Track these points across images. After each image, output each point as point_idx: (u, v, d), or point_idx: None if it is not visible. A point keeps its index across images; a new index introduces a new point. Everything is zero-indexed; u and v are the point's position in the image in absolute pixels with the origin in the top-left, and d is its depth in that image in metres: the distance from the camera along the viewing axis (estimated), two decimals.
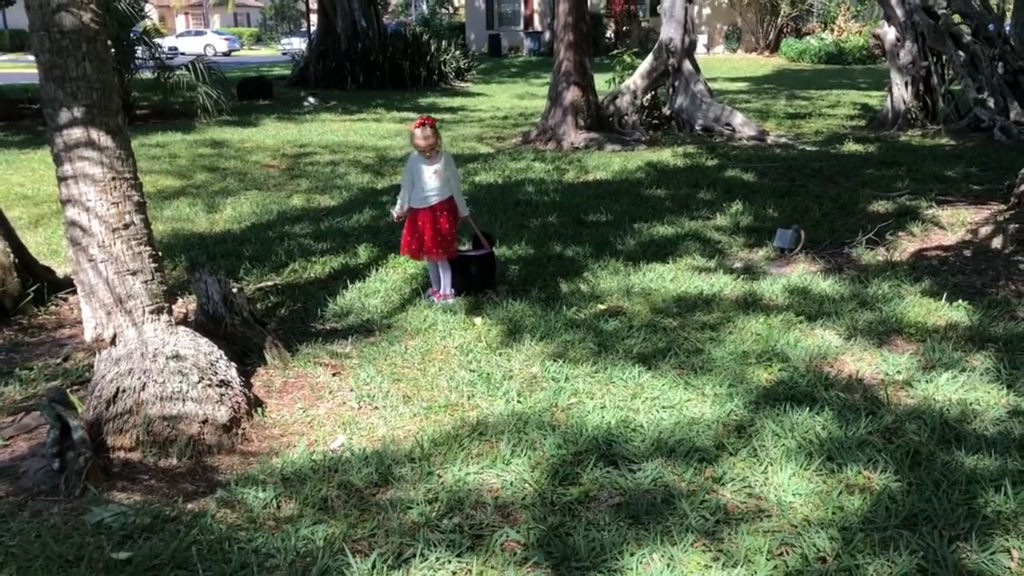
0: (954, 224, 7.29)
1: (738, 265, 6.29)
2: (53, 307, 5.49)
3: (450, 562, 2.87)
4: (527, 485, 3.35)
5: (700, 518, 3.10)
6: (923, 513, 3.04)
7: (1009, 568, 2.76)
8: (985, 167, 9.82)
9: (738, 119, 12.87)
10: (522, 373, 4.42)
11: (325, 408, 4.15)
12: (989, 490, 3.17)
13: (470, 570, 2.84)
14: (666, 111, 13.58)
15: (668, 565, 2.82)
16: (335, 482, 3.39)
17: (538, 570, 2.83)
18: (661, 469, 3.43)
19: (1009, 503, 3.08)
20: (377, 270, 6.21)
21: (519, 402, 4.08)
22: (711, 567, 2.82)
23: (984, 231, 6.94)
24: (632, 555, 2.88)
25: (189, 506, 3.26)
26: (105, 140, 3.69)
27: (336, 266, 6.40)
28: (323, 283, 6.02)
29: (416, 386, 4.32)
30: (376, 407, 4.12)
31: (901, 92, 13.30)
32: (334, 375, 4.49)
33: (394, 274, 6.11)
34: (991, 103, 12.47)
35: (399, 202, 5.55)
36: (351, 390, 4.31)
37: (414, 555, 2.90)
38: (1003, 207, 7.62)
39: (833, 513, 3.09)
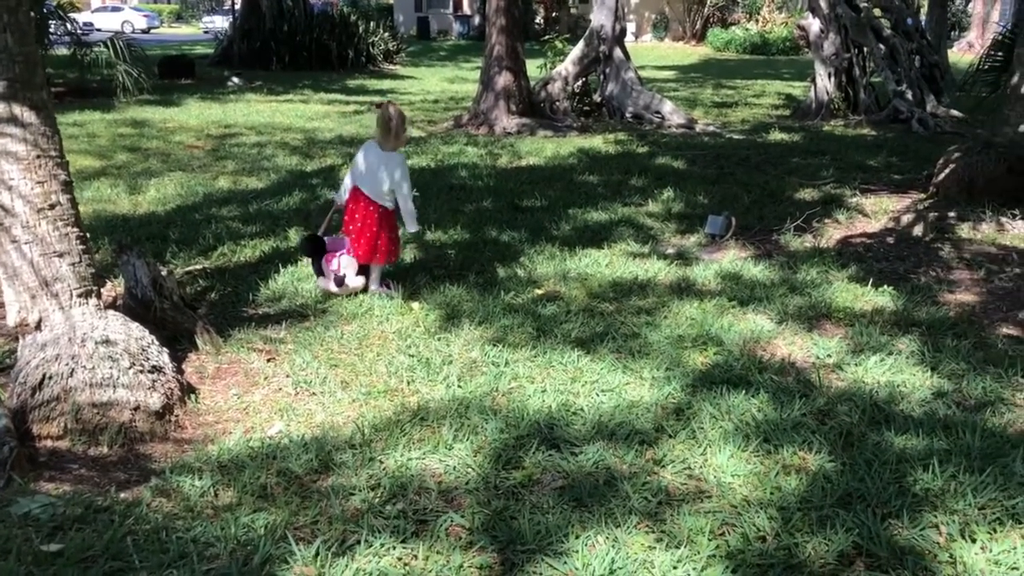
0: (877, 212, 7.51)
1: (671, 251, 6.37)
2: None
3: (395, 548, 2.84)
4: (470, 470, 3.34)
5: (642, 500, 3.13)
6: (857, 492, 3.13)
7: (938, 543, 2.86)
8: (905, 157, 10.15)
9: (667, 107, 13.03)
10: (462, 358, 4.40)
11: (260, 394, 4.06)
12: (918, 469, 3.27)
13: (416, 555, 2.82)
14: (597, 98, 13.66)
15: (613, 547, 2.84)
16: (274, 469, 3.32)
17: (484, 554, 2.83)
18: (603, 452, 3.45)
19: (936, 481, 3.19)
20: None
21: (459, 387, 4.06)
22: (655, 548, 2.85)
23: (906, 219, 7.18)
24: (577, 537, 2.90)
25: (122, 495, 3.15)
26: (29, 116, 3.53)
27: (267, 250, 6.26)
28: (254, 267, 5.89)
29: (354, 371, 4.26)
30: (313, 393, 4.05)
31: (824, 83, 13.64)
32: (269, 361, 4.40)
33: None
34: (909, 95, 12.88)
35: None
36: (287, 376, 4.23)
37: (358, 541, 2.87)
38: (923, 196, 7.89)
39: (771, 493, 3.16)
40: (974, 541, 2.84)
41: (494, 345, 4.53)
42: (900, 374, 4.20)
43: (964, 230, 6.85)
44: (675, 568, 2.74)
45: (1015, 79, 7.73)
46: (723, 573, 2.70)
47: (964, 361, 4.33)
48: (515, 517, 3.03)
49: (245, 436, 3.62)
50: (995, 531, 2.90)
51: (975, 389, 4.02)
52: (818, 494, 3.13)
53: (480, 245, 6.43)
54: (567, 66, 13.35)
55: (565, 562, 2.78)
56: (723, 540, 2.89)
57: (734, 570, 2.72)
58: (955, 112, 13.03)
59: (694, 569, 2.73)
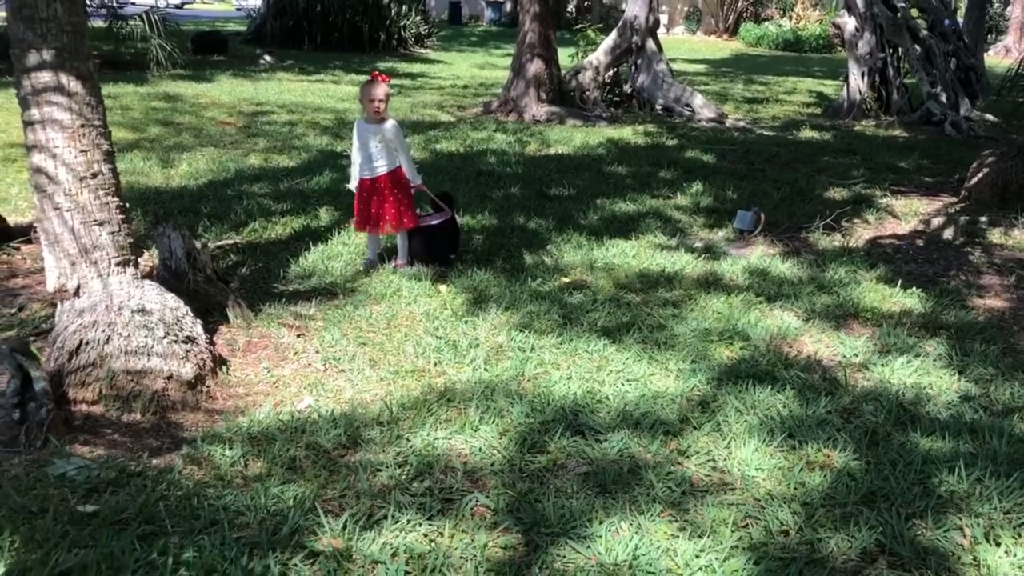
0: (907, 214, 7.47)
1: (699, 245, 6.36)
2: (5, 256, 5.34)
3: (421, 525, 2.89)
4: (495, 452, 3.38)
5: (666, 489, 3.16)
6: (881, 491, 3.14)
7: (962, 545, 2.87)
8: (936, 160, 10.06)
9: (698, 100, 12.97)
10: (488, 342, 4.43)
11: (290, 369, 4.11)
12: (943, 471, 3.28)
13: (441, 533, 2.86)
14: (627, 89, 13.61)
15: (636, 533, 2.87)
16: (303, 443, 3.37)
17: (508, 535, 2.86)
18: (627, 440, 3.48)
19: (962, 484, 3.19)
20: (339, 233, 6.15)
21: (486, 370, 4.10)
22: (678, 536, 2.88)
23: (936, 222, 7.13)
24: (601, 523, 2.93)
25: (155, 461, 3.22)
26: (75, 85, 3.59)
27: (297, 227, 6.32)
28: (284, 244, 5.95)
29: (382, 351, 4.31)
30: (342, 370, 4.10)
31: (857, 82, 13.52)
32: (299, 336, 4.46)
33: (356, 238, 6.05)
34: (943, 98, 12.76)
35: (352, 173, 5.49)
36: (316, 352, 4.28)
37: (385, 516, 2.91)
38: (954, 199, 7.83)
39: (795, 488, 3.17)
40: (999, 545, 2.85)
41: (520, 330, 4.56)
42: (927, 376, 4.19)
43: (995, 235, 6.80)
44: (697, 557, 2.76)
45: None
46: (745, 564, 2.72)
47: (992, 366, 4.31)
48: (539, 500, 3.06)
49: (275, 409, 3.67)
50: (1020, 536, 2.90)
51: (1002, 395, 4.01)
52: (842, 491, 3.14)
53: (507, 231, 6.45)
54: (599, 56, 13.31)
55: (588, 546, 2.82)
56: (746, 532, 2.91)
57: (756, 562, 2.74)
58: (989, 116, 12.91)
59: (716, 559, 2.75)
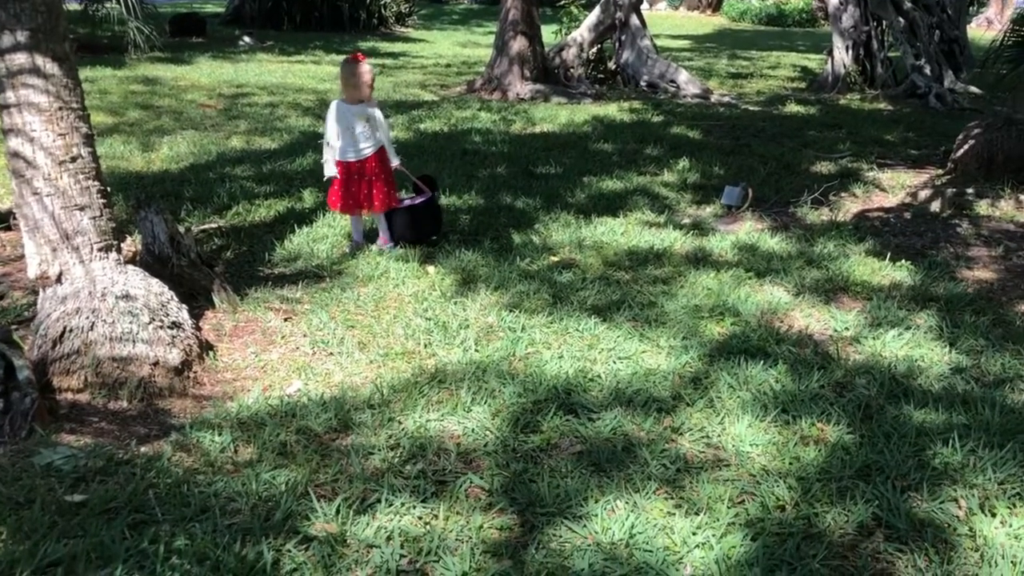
0: (894, 187, 7.46)
1: (687, 221, 6.33)
2: None
3: (415, 507, 2.86)
4: (488, 432, 3.35)
5: (661, 467, 3.14)
6: (876, 464, 3.14)
7: (957, 517, 2.86)
8: (921, 132, 10.06)
9: (683, 76, 12.91)
10: (478, 322, 4.40)
11: (278, 353, 4.07)
12: (937, 443, 3.27)
13: (436, 515, 2.83)
14: (612, 65, 13.53)
15: (632, 512, 2.85)
16: (293, 427, 3.33)
17: (504, 516, 2.84)
18: (620, 419, 3.46)
19: (956, 455, 3.19)
20: (324, 215, 6.08)
21: (476, 351, 4.06)
22: (674, 514, 2.86)
23: (923, 195, 7.13)
24: (596, 502, 2.91)
25: (143, 449, 3.17)
26: (51, 67, 3.50)
27: (281, 210, 6.25)
28: (268, 227, 5.88)
29: (371, 333, 4.26)
30: (331, 353, 4.06)
31: (842, 56, 13.47)
32: (286, 320, 4.40)
33: (342, 220, 5.97)
34: (927, 70, 12.74)
35: (328, 158, 5.38)
36: (304, 335, 4.23)
37: (379, 500, 2.88)
38: (940, 172, 7.82)
39: (790, 463, 3.16)
40: (994, 515, 2.85)
41: (510, 311, 4.52)
42: (918, 349, 4.18)
43: (982, 207, 6.81)
44: (694, 535, 2.75)
45: None
46: (743, 541, 2.71)
47: (983, 337, 4.31)
48: (534, 480, 3.04)
49: (264, 394, 3.63)
50: (1015, 506, 2.90)
51: (994, 366, 4.01)
52: (837, 465, 3.13)
53: (494, 210, 6.40)
54: (582, 32, 13.20)
55: (585, 525, 2.80)
56: (742, 508, 2.89)
57: (753, 538, 2.73)
58: (973, 88, 12.91)
59: (713, 536, 2.74)
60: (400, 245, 5.45)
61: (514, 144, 8.81)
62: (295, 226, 5.78)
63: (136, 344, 3.55)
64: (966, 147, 7.73)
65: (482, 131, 9.46)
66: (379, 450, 3.19)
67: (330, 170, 5.38)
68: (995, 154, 7.51)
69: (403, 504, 2.86)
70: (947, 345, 4.23)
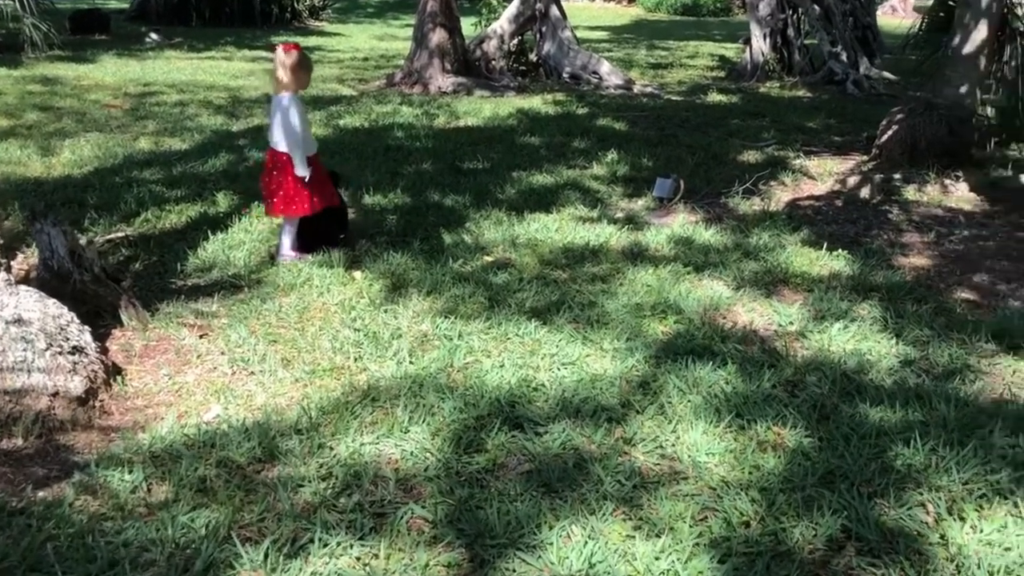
0: (822, 174, 7.44)
1: (620, 215, 6.17)
2: None
3: (352, 546, 2.59)
4: (429, 455, 3.10)
5: (616, 483, 2.94)
6: (839, 470, 2.99)
7: (927, 523, 2.73)
8: (843, 119, 10.13)
9: (605, 67, 12.78)
10: (411, 331, 4.13)
11: (194, 374, 3.74)
12: (897, 443, 3.15)
13: (376, 554, 2.57)
14: (533, 57, 13.33)
15: (590, 537, 2.64)
16: (213, 459, 3.03)
17: (451, 551, 2.60)
18: (569, 431, 3.25)
19: (918, 456, 3.07)
20: (240, 220, 5.72)
21: (411, 363, 3.80)
22: (634, 537, 2.66)
23: (852, 181, 7.11)
24: (551, 528, 2.69)
25: (41, 494, 2.82)
26: None
27: (194, 215, 5.86)
28: (180, 234, 5.50)
29: (296, 348, 3.96)
30: (252, 372, 3.75)
31: (760, 44, 13.54)
32: (201, 337, 4.07)
33: (259, 224, 5.64)
34: (843, 57, 12.89)
35: (301, 155, 4.94)
36: (222, 353, 3.91)
37: (312, 540, 2.61)
38: (865, 158, 7.84)
39: (750, 473, 2.99)
40: (963, 520, 2.73)
41: (445, 317, 4.27)
42: (865, 341, 4.08)
43: (910, 192, 6.83)
44: (657, 560, 2.55)
45: (956, 40, 7.69)
46: (709, 564, 2.53)
47: (927, 327, 4.24)
48: (481, 507, 2.80)
49: (179, 422, 3.31)
50: (982, 508, 2.79)
51: (941, 356, 3.93)
52: (799, 473, 2.97)
53: (422, 209, 6.14)
54: (502, 24, 12.96)
55: (539, 556, 2.58)
56: (705, 526, 2.71)
57: (721, 560, 2.54)
58: (888, 74, 13.11)
59: (678, 560, 2.54)
60: (319, 252, 5.10)
61: (439, 139, 8.54)
62: (209, 232, 5.41)
63: (31, 374, 3.19)
64: (890, 133, 7.75)
65: (404, 126, 9.16)
66: (309, 482, 2.91)
67: (304, 168, 4.94)
68: (918, 139, 7.54)
69: (339, 543, 2.60)
70: (893, 336, 4.14)
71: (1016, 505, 2.79)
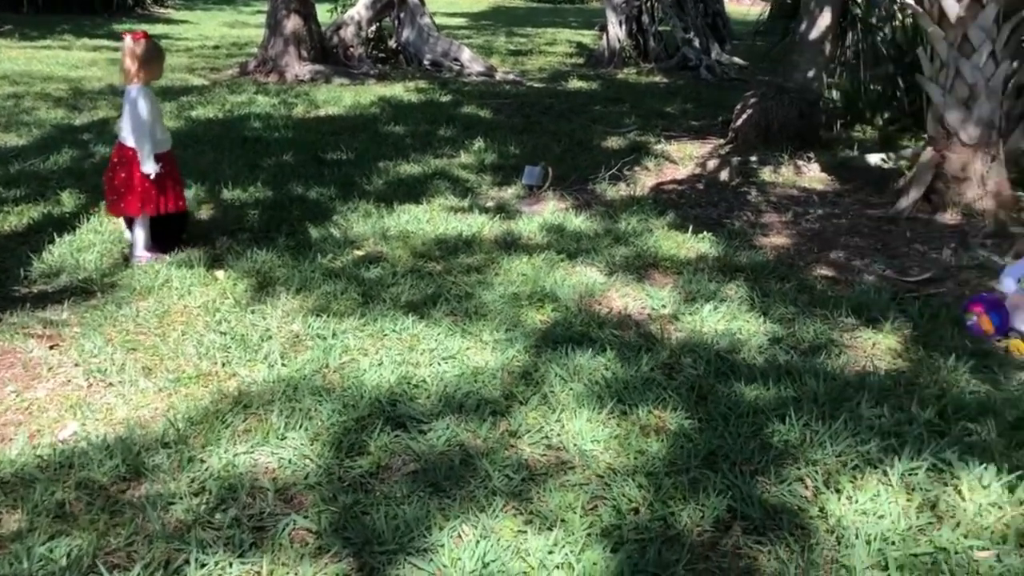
0: (683, 158, 7.62)
1: (491, 204, 6.13)
2: None
3: (232, 565, 2.45)
4: (308, 461, 2.97)
5: (504, 478, 2.89)
6: (720, 450, 3.05)
7: (806, 498, 2.81)
8: (699, 104, 10.43)
9: (466, 55, 12.72)
10: (282, 332, 3.96)
11: (45, 389, 3.45)
12: (774, 420, 3.23)
13: (258, 571, 2.43)
14: (393, 44, 13.13)
15: (482, 536, 2.58)
16: (72, 481, 2.80)
17: (338, 561, 2.49)
18: (453, 427, 3.18)
19: (793, 431, 3.16)
20: (88, 220, 5.36)
21: (284, 365, 3.64)
22: (526, 532, 2.62)
23: (711, 165, 7.32)
24: (441, 529, 2.62)
25: None
26: None
27: (36, 216, 5.44)
28: (22, 237, 5.10)
29: (157, 355, 3.73)
30: (111, 384, 3.49)
31: (616, 31, 13.79)
32: (52, 348, 3.77)
33: (109, 224, 5.29)
34: (696, 43, 13.29)
35: (149, 150, 4.63)
36: (76, 365, 3.63)
37: (188, 561, 2.44)
38: (722, 141, 8.09)
39: (635, 458, 3.01)
40: (839, 492, 2.82)
41: (317, 315, 4.12)
42: (735, 321, 4.19)
43: (766, 174, 7.08)
44: (551, 553, 2.52)
45: (803, 26, 8.04)
46: (603, 554, 2.51)
47: (792, 304, 4.39)
48: (367, 512, 2.70)
49: (31, 443, 3.04)
50: (856, 479, 2.89)
51: (807, 332, 4.08)
52: (683, 456, 3.01)
53: (286, 203, 5.91)
54: (359, 10, 12.68)
55: (431, 560, 2.50)
56: (596, 516, 2.70)
57: (614, 549, 2.54)
58: (738, 60, 13.60)
59: (572, 552, 2.52)
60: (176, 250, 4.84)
61: (299, 129, 8.27)
62: (55, 234, 5.04)
63: None
64: (744, 116, 8.03)
65: (262, 116, 8.83)
66: (181, 498, 2.73)
67: (153, 165, 4.63)
68: (771, 122, 7.85)
69: (217, 563, 2.44)
70: (761, 315, 4.26)
71: (886, 474, 2.91)
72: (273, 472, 2.92)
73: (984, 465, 2.93)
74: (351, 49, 12.44)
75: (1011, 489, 2.83)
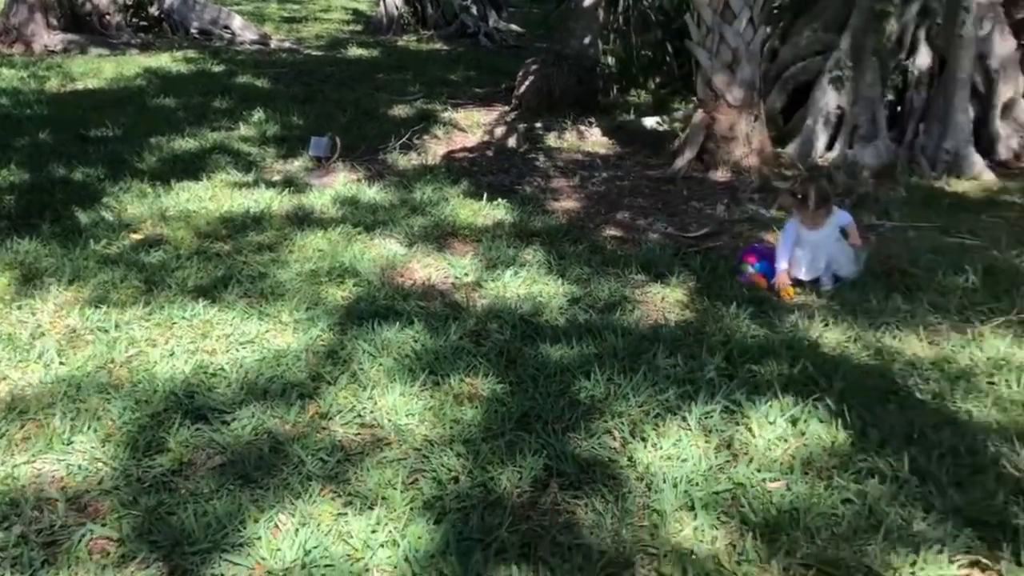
0: (471, 126, 7.66)
1: (277, 178, 5.89)
2: None
3: None
4: (101, 465, 2.74)
5: (318, 462, 2.80)
6: (532, 411, 3.10)
7: (615, 449, 2.92)
8: (481, 71, 10.50)
9: (237, 22, 12.13)
10: (56, 328, 3.62)
11: None
12: (580, 378, 3.33)
13: None
14: (154, 12, 12.27)
15: (301, 523, 2.49)
16: None
17: (146, 568, 2.32)
18: (259, 415, 3.04)
19: (598, 387, 3.27)
20: None
21: (62, 364, 3.33)
22: (346, 514, 2.56)
23: (499, 131, 7.41)
24: (256, 521, 2.50)
25: None
26: None
27: None
28: None
29: None
30: None
31: None
32: None
33: None
34: (473, 10, 13.37)
35: None
36: None
37: None
38: (507, 108, 8.20)
39: (451, 428, 3.00)
40: (645, 440, 2.95)
41: (95, 307, 3.79)
42: (535, 284, 4.27)
43: (551, 139, 7.26)
44: (374, 532, 2.47)
45: None
46: (427, 527, 2.49)
47: (586, 265, 4.53)
48: (173, 512, 2.54)
49: None
50: (658, 427, 3.03)
51: (602, 291, 4.22)
52: (497, 420, 3.04)
53: (47, 186, 5.40)
54: None
55: (248, 554, 2.39)
56: (417, 490, 2.68)
57: (437, 520, 2.53)
58: (515, 27, 13.82)
59: (395, 528, 2.48)
60: None
61: (55, 105, 7.57)
62: None
63: None
64: (527, 84, 8.17)
65: (9, 91, 8.01)
66: None
67: None
68: (553, 89, 8.03)
69: None
70: (559, 277, 4.36)
71: (684, 419, 3.07)
72: (61, 481, 2.67)
73: (769, 403, 3.16)
74: (107, 17, 11.49)
75: (793, 422, 3.07)
